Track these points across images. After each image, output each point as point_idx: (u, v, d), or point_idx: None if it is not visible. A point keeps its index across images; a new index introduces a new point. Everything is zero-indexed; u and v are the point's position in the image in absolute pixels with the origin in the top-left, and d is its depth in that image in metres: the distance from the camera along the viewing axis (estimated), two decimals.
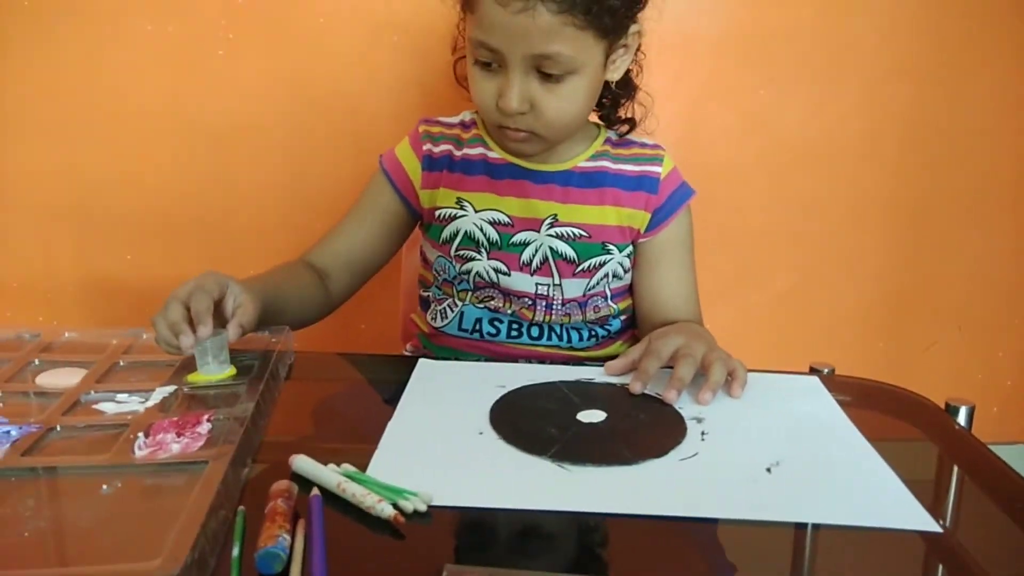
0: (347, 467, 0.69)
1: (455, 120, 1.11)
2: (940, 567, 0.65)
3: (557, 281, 1.06)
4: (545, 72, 0.92)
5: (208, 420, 0.74)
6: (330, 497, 0.66)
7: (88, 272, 1.55)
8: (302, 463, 0.69)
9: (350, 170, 1.53)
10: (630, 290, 1.13)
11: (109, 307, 1.57)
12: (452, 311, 1.10)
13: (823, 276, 1.75)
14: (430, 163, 1.08)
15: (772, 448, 0.78)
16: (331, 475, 0.67)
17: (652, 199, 1.07)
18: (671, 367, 0.89)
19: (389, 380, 0.91)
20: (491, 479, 0.70)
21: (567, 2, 0.87)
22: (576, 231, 1.05)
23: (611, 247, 1.07)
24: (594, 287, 1.08)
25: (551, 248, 1.05)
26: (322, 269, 1.08)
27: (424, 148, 1.08)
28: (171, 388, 0.81)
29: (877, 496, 0.71)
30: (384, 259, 1.13)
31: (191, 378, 0.83)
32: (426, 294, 1.15)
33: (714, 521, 0.67)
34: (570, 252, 1.06)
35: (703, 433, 0.80)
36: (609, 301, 1.10)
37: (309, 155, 1.53)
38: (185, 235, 1.55)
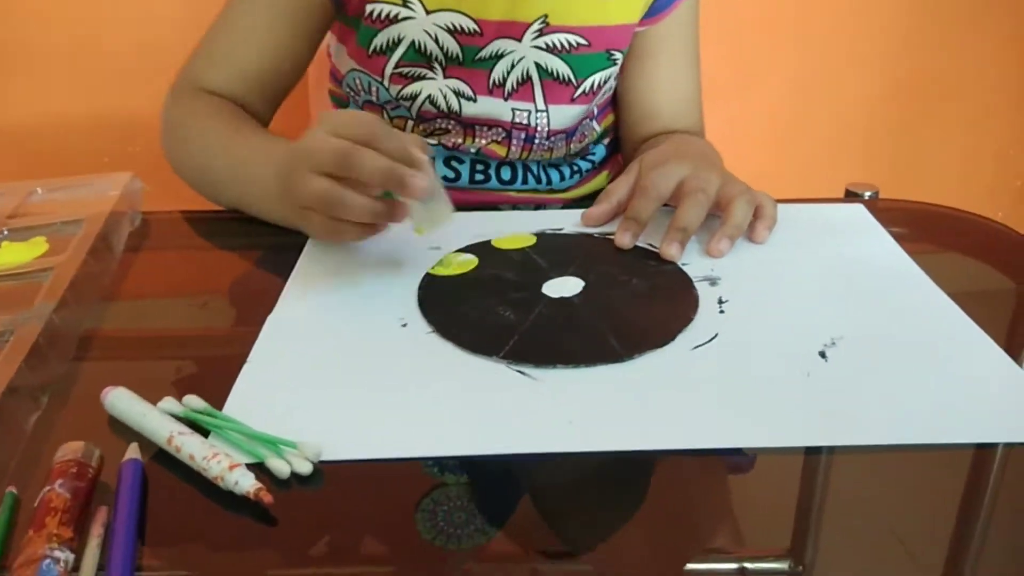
0: (192, 402, 0.45)
1: None
2: None
3: (542, 106, 0.77)
4: None
5: None
6: (164, 460, 0.42)
7: None
8: (119, 401, 0.44)
9: None
10: (612, 100, 0.85)
11: None
12: None
13: (825, 71, 1.51)
14: None
15: (822, 319, 0.55)
16: (160, 421, 0.43)
17: None
18: (672, 206, 0.64)
19: (281, 252, 0.63)
20: (416, 408, 0.46)
21: None
22: (572, 39, 0.74)
23: (616, 55, 0.77)
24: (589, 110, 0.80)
25: (537, 64, 0.75)
26: (236, 99, 0.74)
27: None
28: None
29: (986, 390, 0.48)
30: (301, 74, 0.79)
31: (422, 230, 0.57)
32: None
33: (748, 453, 0.44)
34: (563, 69, 0.75)
35: (721, 301, 0.57)
36: (593, 122, 0.83)
37: None
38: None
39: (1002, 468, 0.45)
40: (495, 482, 0.43)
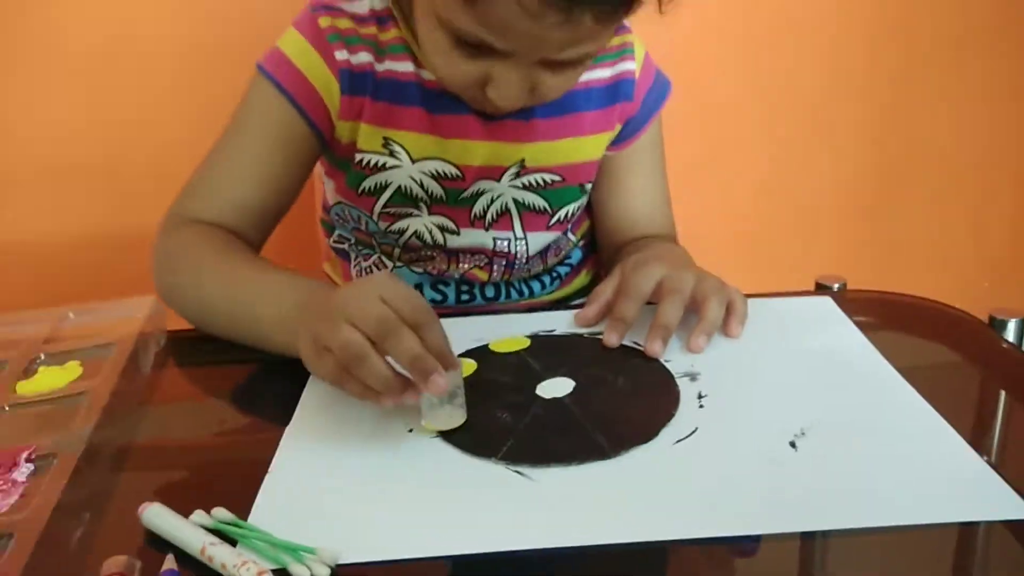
0: (220, 514, 0.50)
1: (363, 8, 0.75)
2: None
3: (520, 234, 0.83)
4: (558, 61, 0.67)
5: (29, 459, 0.54)
6: (198, 569, 0.47)
7: None
8: (155, 517, 0.49)
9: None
10: (587, 207, 0.92)
11: None
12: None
13: (800, 156, 1.57)
14: (351, 82, 0.74)
15: (792, 409, 0.60)
16: (193, 533, 0.48)
17: (627, 107, 0.83)
18: (653, 303, 0.70)
19: (295, 364, 0.68)
20: (424, 511, 0.51)
21: (612, 7, 0.63)
22: (548, 177, 0.80)
23: (588, 186, 0.84)
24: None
25: (515, 200, 0.81)
26: (235, 231, 0.75)
27: (338, 56, 0.74)
28: None
29: (941, 472, 0.53)
30: (291, 204, 0.80)
31: (429, 426, 0.58)
32: (341, 245, 0.89)
33: (721, 541, 0.49)
34: (540, 203, 0.82)
35: (700, 396, 0.62)
36: (569, 235, 0.89)
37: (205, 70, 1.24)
38: (69, 183, 1.28)
39: (963, 545, 0.49)
40: None
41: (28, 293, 1.03)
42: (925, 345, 0.74)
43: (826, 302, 0.76)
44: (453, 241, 0.81)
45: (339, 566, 0.46)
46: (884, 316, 0.76)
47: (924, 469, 0.53)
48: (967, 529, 0.49)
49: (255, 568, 0.45)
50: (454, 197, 0.79)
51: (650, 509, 0.50)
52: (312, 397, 0.63)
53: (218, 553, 0.46)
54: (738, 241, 1.54)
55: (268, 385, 0.67)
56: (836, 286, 0.80)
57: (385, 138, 0.76)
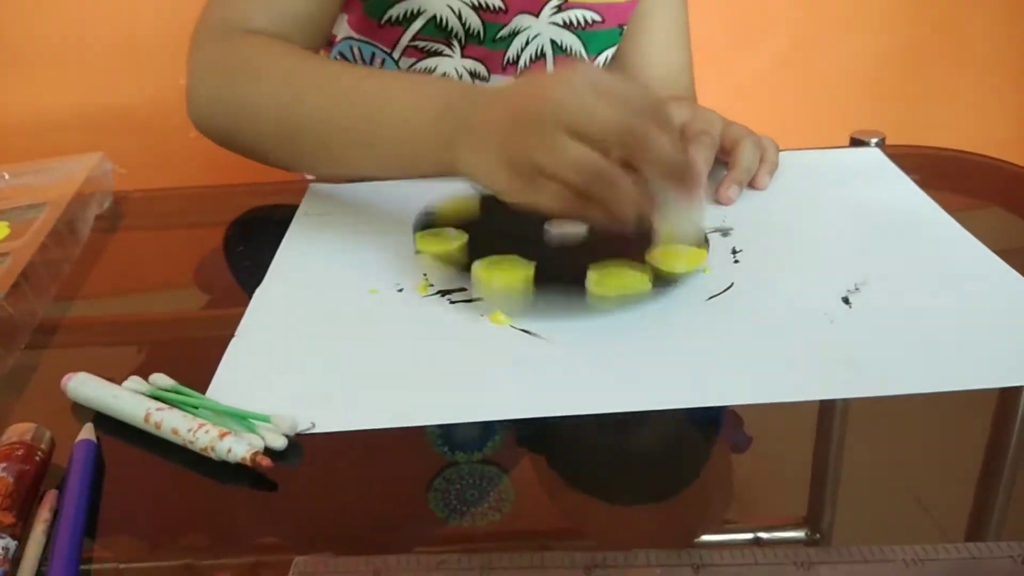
0: (159, 380, 0.41)
1: None
2: None
3: None
4: None
5: None
6: (135, 438, 0.38)
7: None
8: (83, 385, 0.40)
9: None
10: None
11: None
12: None
13: (828, 27, 1.47)
14: None
15: (842, 264, 0.50)
16: (134, 400, 0.39)
17: None
18: None
19: (268, 225, 0.59)
20: (406, 374, 0.42)
21: None
22: (588, 15, 0.72)
23: (624, 29, 0.75)
24: None
25: (552, 41, 0.72)
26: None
27: None
28: None
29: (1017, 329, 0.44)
30: (332, 25, 0.68)
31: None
32: None
33: (746, 433, 0.40)
34: (576, 45, 0.73)
35: (735, 251, 0.52)
36: None
37: None
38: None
39: None
40: (492, 449, 0.39)
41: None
42: (977, 202, 0.64)
43: (875, 153, 0.66)
44: None
45: (302, 435, 0.38)
46: (930, 171, 0.65)
47: (997, 326, 0.44)
48: None
49: (216, 430, 0.36)
50: (492, 34, 0.69)
51: (681, 372, 0.42)
52: (286, 259, 0.54)
53: (167, 418, 0.37)
54: (767, 110, 1.45)
55: (233, 252, 0.58)
56: (874, 141, 0.69)
57: None
